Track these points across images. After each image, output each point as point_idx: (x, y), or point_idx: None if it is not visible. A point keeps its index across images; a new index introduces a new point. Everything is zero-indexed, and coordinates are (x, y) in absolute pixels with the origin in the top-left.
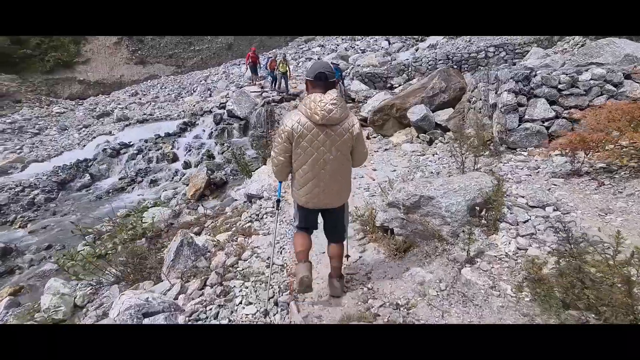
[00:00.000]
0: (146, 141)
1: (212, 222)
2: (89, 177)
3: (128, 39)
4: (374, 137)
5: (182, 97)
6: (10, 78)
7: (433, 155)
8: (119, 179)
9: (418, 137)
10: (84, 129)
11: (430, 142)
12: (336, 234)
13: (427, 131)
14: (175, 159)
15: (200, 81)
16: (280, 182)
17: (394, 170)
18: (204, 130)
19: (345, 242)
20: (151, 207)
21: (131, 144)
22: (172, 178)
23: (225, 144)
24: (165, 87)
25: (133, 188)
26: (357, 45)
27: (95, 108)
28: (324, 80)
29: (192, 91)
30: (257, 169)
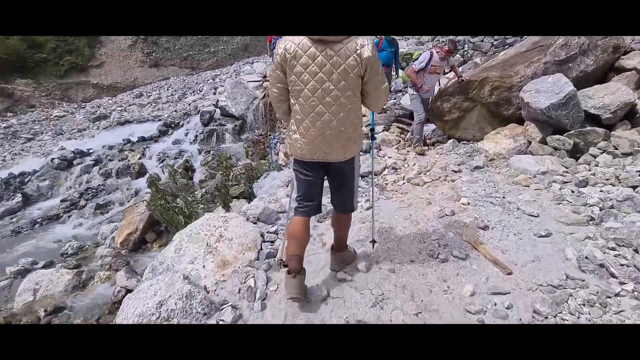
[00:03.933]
0: (110, 148)
1: None
2: (21, 199)
3: (143, 42)
4: (439, 144)
5: (185, 98)
6: (25, 83)
7: (612, 184)
8: (61, 201)
9: (544, 141)
10: (77, 133)
11: (572, 153)
12: (343, 202)
13: (567, 130)
14: (142, 172)
15: (208, 80)
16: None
17: (547, 236)
18: (186, 134)
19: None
20: (69, 256)
21: (90, 151)
22: (130, 201)
23: (211, 152)
24: (170, 88)
25: (70, 217)
26: None
27: (97, 111)
28: None
29: (198, 91)
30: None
